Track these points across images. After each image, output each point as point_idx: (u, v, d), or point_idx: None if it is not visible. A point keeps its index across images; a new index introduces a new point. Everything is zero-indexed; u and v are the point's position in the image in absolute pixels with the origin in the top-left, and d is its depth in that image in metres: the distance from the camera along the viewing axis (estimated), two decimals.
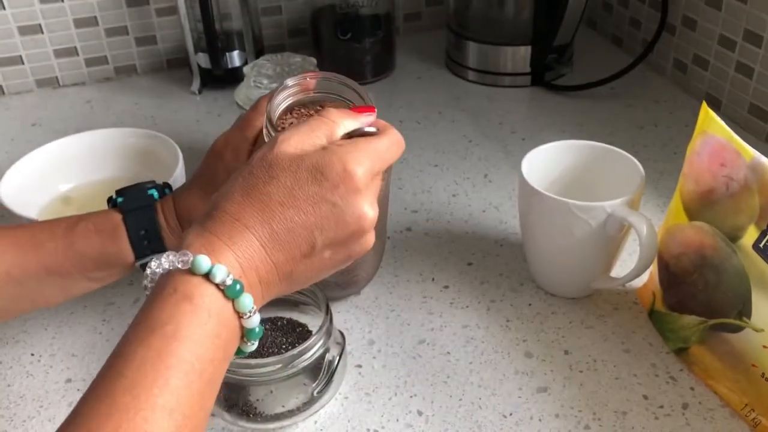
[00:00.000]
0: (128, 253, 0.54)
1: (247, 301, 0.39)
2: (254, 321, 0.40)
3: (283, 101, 0.50)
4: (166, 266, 0.38)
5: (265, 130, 0.49)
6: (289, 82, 0.50)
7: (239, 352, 0.41)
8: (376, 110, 0.46)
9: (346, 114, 0.45)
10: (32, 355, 0.61)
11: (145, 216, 0.55)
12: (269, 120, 0.48)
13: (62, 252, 0.53)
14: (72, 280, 0.54)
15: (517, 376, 0.57)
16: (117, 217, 0.55)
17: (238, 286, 0.38)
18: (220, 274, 0.37)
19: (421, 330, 0.61)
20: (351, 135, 0.44)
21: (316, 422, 0.54)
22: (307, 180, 0.40)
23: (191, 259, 0.38)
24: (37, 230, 0.54)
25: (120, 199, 0.57)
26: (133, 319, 0.38)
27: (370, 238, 0.44)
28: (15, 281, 0.53)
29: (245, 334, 0.40)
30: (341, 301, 0.64)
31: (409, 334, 0.61)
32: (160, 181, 0.61)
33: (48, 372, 0.59)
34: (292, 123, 0.50)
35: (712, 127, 0.53)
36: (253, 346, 0.41)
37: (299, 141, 0.42)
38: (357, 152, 0.42)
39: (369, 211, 0.42)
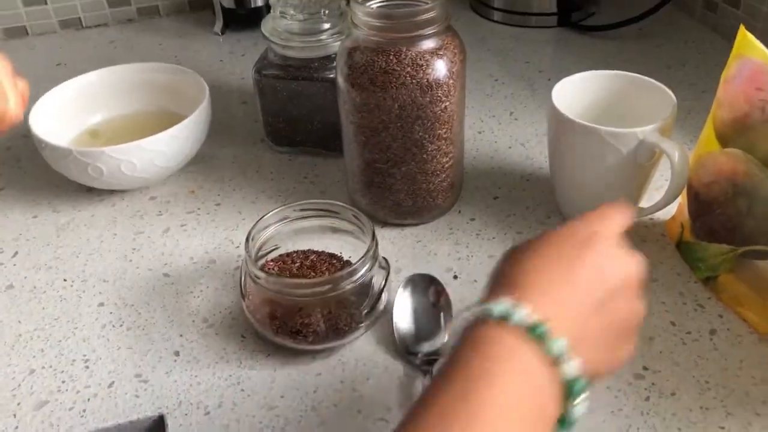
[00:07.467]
0: None
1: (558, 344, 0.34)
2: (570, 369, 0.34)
3: None
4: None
5: None
6: None
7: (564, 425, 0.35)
8: None
9: None
10: (65, 280, 0.62)
11: None
12: None
13: None
14: None
15: None
16: None
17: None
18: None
19: (448, 260, 0.62)
20: None
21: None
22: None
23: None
24: None
25: None
26: (443, 370, 0.34)
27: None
28: None
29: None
30: None
31: (435, 263, 0.61)
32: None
33: (81, 296, 0.60)
34: None
35: (749, 49, 0.52)
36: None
37: None
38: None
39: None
